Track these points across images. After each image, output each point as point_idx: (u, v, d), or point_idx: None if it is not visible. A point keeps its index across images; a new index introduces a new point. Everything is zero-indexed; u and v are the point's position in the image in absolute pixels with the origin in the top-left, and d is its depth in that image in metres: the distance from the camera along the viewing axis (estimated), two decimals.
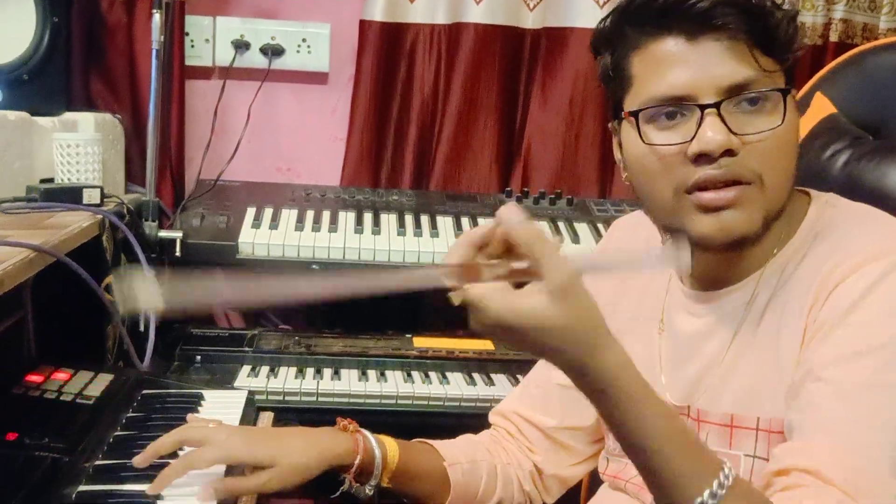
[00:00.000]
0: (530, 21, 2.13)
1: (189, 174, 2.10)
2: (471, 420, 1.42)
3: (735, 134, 0.91)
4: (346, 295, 0.74)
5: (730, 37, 0.92)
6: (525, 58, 2.15)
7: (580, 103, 2.13)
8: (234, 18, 2.12)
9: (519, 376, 1.65)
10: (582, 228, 1.92)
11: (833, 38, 2.17)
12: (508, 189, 2.08)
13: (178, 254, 1.74)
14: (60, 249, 1.24)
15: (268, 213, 1.88)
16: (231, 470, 1.06)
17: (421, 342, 1.83)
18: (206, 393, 1.34)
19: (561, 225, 1.93)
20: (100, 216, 1.48)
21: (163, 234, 1.75)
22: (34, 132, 1.66)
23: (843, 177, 1.30)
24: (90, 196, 1.56)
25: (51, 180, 1.64)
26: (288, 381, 1.66)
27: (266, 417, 1.36)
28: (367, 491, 1.12)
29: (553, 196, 2.04)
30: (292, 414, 1.57)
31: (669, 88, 0.93)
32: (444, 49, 2.11)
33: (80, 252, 1.32)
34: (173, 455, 1.04)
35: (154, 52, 1.75)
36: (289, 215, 1.88)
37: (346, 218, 1.89)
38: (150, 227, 1.73)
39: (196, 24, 2.10)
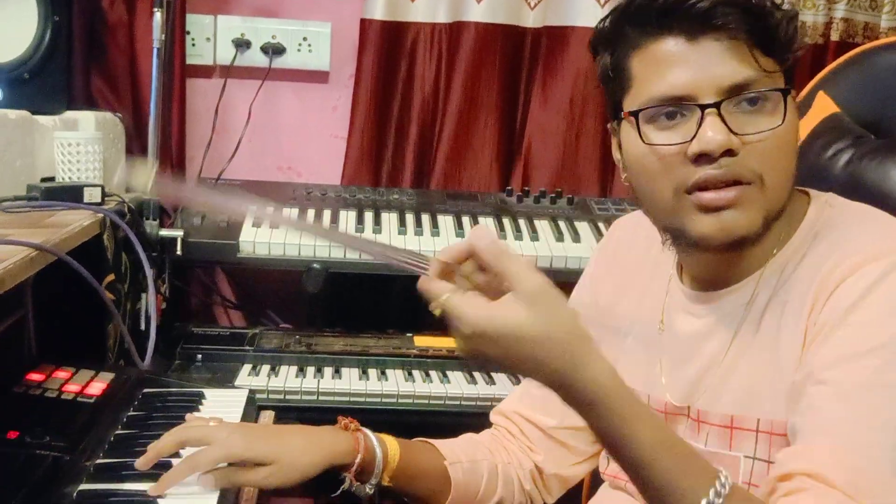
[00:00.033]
0: (531, 20, 2.13)
1: (190, 173, 2.10)
2: (471, 419, 1.42)
3: (735, 134, 0.92)
4: (330, 237, 0.78)
5: (730, 37, 0.92)
6: (526, 57, 2.15)
7: (581, 102, 2.13)
8: (235, 17, 2.12)
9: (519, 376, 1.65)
10: (582, 227, 1.91)
11: (834, 37, 2.17)
12: (509, 188, 2.07)
13: (179, 252, 1.74)
14: (61, 248, 1.24)
15: (268, 212, 1.88)
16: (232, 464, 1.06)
17: (422, 341, 1.83)
18: (207, 392, 1.34)
19: (561, 224, 1.92)
20: (101, 215, 1.48)
21: (164, 232, 1.75)
22: (35, 131, 1.65)
23: (845, 176, 1.30)
24: (91, 195, 1.55)
25: (52, 179, 1.64)
26: (289, 380, 1.66)
27: (267, 416, 1.36)
28: (367, 490, 1.11)
29: (554, 195, 2.04)
30: (293, 413, 1.57)
31: (669, 88, 0.93)
32: (444, 48, 2.10)
33: (80, 251, 1.32)
34: (174, 454, 1.04)
35: (155, 51, 1.75)
36: (290, 214, 1.88)
37: (347, 217, 1.89)
38: (151, 225, 1.73)
39: (197, 23, 2.10)
